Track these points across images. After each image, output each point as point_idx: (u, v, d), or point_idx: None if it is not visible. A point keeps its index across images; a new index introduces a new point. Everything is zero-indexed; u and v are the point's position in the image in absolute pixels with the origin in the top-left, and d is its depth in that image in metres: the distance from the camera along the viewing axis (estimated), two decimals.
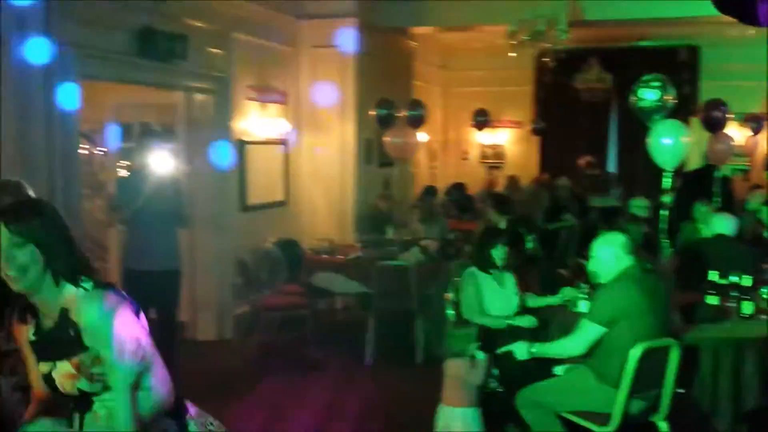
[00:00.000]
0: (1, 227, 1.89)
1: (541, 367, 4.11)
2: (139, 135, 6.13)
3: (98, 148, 9.26)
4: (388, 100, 8.10)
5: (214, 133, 6.75)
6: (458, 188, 10.44)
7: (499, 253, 4.68)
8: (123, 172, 6.86)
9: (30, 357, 2.04)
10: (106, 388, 2.00)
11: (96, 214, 8.80)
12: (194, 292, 6.76)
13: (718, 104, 8.08)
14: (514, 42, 8.30)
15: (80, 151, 6.78)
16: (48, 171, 4.86)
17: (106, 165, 8.01)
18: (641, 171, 10.68)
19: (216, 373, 5.95)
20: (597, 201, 9.54)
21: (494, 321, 4.53)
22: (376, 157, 8.68)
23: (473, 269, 4.73)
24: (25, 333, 2.03)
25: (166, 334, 5.23)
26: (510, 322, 4.50)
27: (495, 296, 4.66)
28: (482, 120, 12.50)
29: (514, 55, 8.60)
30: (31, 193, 2.98)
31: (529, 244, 5.26)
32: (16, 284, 1.92)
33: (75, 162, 5.29)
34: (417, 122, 8.42)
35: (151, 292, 5.04)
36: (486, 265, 4.70)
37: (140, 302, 5.30)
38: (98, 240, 8.36)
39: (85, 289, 1.99)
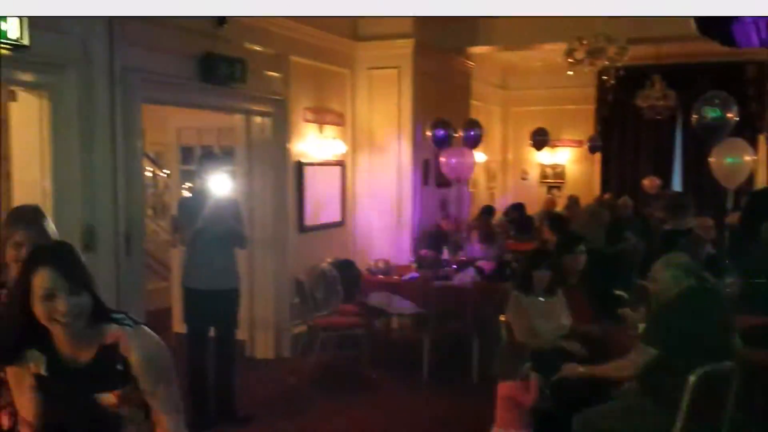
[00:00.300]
0: (56, 274, 1.94)
1: (598, 391, 4.02)
2: (199, 158, 6.27)
3: (163, 171, 9.55)
4: (444, 120, 8.10)
5: (272, 155, 6.88)
6: (517, 208, 10.30)
7: (541, 276, 4.59)
8: (185, 194, 7.04)
9: (30, 390, 2.05)
10: (140, 407, 2.09)
11: (160, 235, 9.06)
12: (253, 312, 6.86)
13: None
14: (573, 60, 8.21)
15: (145, 173, 7.01)
16: (112, 192, 5.03)
17: (170, 187, 8.24)
18: (707, 190, 10.37)
19: (274, 391, 6.04)
20: (671, 224, 9.20)
21: (543, 343, 4.43)
22: (434, 177, 8.68)
23: (517, 292, 4.67)
24: (25, 368, 2.06)
25: (225, 353, 5.34)
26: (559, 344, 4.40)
27: (542, 319, 4.56)
28: (541, 139, 12.35)
29: (572, 73, 8.49)
30: (48, 220, 3.02)
31: (582, 254, 5.03)
32: (68, 329, 1.97)
33: (139, 184, 5.47)
34: (473, 142, 8.40)
35: (211, 311, 5.17)
36: (527, 287, 4.62)
37: (200, 321, 5.44)
38: (162, 260, 8.59)
39: (129, 326, 2.07)
